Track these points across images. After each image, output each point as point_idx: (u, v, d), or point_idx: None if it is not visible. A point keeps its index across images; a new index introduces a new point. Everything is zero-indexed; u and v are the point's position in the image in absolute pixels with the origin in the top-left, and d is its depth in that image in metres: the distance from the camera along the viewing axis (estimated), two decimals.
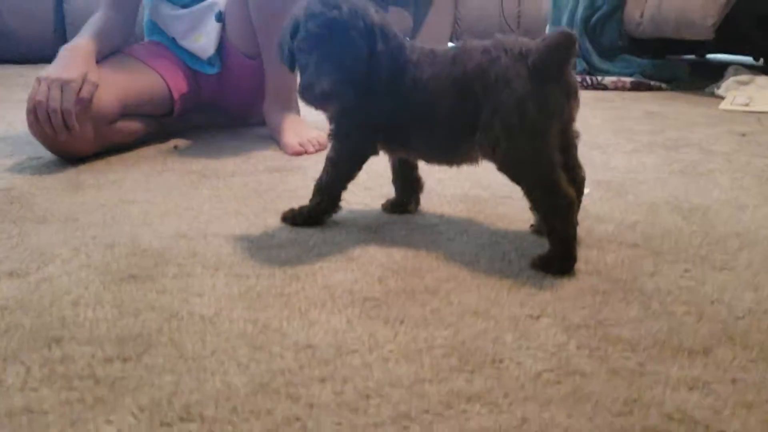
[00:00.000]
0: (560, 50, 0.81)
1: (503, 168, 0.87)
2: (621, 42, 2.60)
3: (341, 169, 0.99)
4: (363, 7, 0.90)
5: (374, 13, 0.91)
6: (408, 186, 1.06)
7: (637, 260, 0.90)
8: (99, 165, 1.34)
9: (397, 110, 0.93)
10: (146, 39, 1.71)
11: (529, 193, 0.86)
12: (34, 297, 0.77)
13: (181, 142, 1.56)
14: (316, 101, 0.89)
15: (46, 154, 1.37)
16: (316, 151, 1.47)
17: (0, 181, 1.22)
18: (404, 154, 1.01)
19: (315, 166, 1.33)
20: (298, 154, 1.46)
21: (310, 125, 1.56)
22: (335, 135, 0.99)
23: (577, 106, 0.87)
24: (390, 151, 1.00)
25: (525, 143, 0.83)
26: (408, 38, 0.97)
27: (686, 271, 0.87)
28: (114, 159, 1.39)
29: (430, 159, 0.97)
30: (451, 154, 0.93)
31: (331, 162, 0.99)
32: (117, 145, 1.45)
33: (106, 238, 0.95)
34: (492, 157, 0.87)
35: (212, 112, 1.75)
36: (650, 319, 0.74)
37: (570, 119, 0.88)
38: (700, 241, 0.97)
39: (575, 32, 0.82)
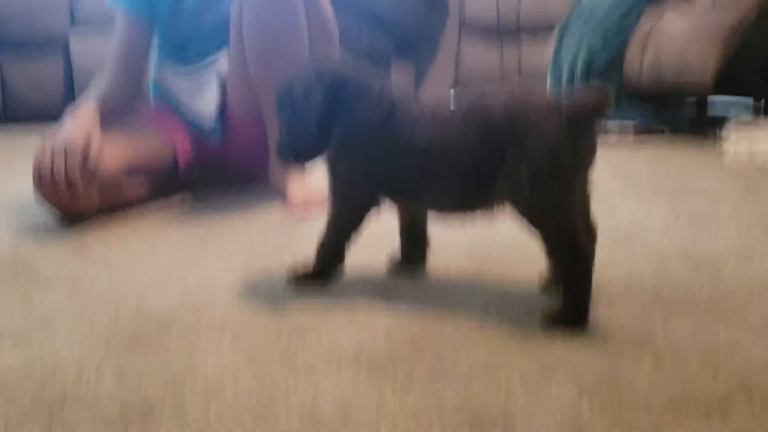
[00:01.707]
0: (598, 109, 0.84)
1: (525, 213, 0.86)
2: (622, 91, 2.62)
3: (342, 225, 0.99)
4: (333, 69, 0.95)
5: (348, 71, 0.95)
6: (415, 243, 1.05)
7: (647, 313, 0.89)
8: (105, 225, 1.35)
9: (401, 162, 0.93)
10: (152, 98, 1.74)
11: (547, 242, 0.85)
12: (37, 366, 0.76)
13: (186, 201, 1.56)
14: (284, 159, 0.99)
15: (52, 218, 1.37)
16: (321, 205, 1.47)
17: (6, 246, 1.22)
18: (412, 207, 1.01)
19: (321, 222, 1.32)
20: (303, 209, 1.46)
21: (314, 179, 1.56)
22: (333, 190, 0.99)
23: (595, 157, 0.88)
24: (396, 203, 0.99)
25: (551, 190, 0.83)
26: (412, 90, 0.98)
27: (698, 325, 0.86)
28: (120, 220, 1.40)
29: (442, 210, 0.96)
30: (467, 203, 0.93)
31: (332, 217, 0.99)
32: (122, 204, 1.45)
33: (111, 302, 0.95)
34: (514, 201, 0.86)
35: (216, 170, 1.76)
36: (664, 374, 0.72)
37: (588, 170, 0.88)
38: (710, 292, 0.96)
39: (608, 92, 0.84)
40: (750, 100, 3.21)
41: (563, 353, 0.77)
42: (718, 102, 3.34)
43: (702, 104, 3.02)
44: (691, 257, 1.11)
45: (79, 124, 1.34)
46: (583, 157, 0.85)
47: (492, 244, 1.18)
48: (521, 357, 0.76)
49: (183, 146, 1.60)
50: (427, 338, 0.81)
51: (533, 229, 0.86)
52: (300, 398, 0.68)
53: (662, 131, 2.52)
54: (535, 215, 0.85)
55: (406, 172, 0.93)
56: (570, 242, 0.83)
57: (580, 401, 0.67)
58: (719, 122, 2.52)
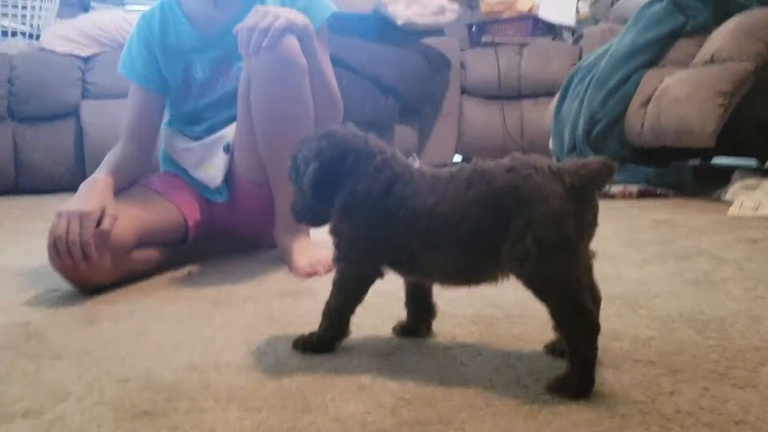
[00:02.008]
0: (601, 177, 0.85)
1: (530, 284, 0.86)
2: (624, 152, 2.66)
3: (346, 293, 1.00)
4: (334, 140, 1.00)
5: (349, 141, 1.00)
6: (421, 311, 1.06)
7: (654, 379, 0.88)
8: (114, 296, 1.36)
9: (401, 231, 0.94)
10: (162, 170, 1.78)
11: (553, 312, 0.85)
12: None
13: (195, 268, 1.58)
14: (295, 221, 1.07)
15: (63, 286, 1.39)
16: (327, 272, 1.48)
17: (17, 315, 1.24)
18: (416, 279, 1.02)
19: (326, 289, 1.34)
20: (309, 275, 1.48)
21: (319, 246, 1.58)
22: (338, 258, 1.01)
23: (597, 225, 0.89)
24: (400, 274, 1.01)
25: (556, 260, 0.84)
26: (414, 155, 1.00)
27: (706, 389, 0.85)
28: (129, 289, 1.41)
29: (445, 282, 0.98)
30: (471, 274, 0.93)
31: (336, 286, 1.01)
32: (133, 274, 1.47)
33: (119, 372, 0.96)
34: (519, 272, 0.86)
35: (225, 238, 1.78)
36: None
37: (590, 238, 0.90)
38: (717, 356, 0.96)
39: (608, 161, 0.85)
40: (752, 161, 3.24)
41: (568, 425, 0.77)
42: (721, 164, 3.36)
43: (704, 165, 3.05)
44: (697, 320, 1.11)
45: (93, 195, 1.37)
46: (587, 225, 0.86)
47: (497, 306, 1.19)
48: (527, 429, 0.76)
49: (192, 214, 1.63)
50: (432, 411, 0.81)
51: (539, 299, 0.86)
52: None
53: (665, 194, 2.55)
54: (541, 285, 0.86)
55: (407, 242, 0.94)
56: (576, 311, 0.83)
57: None
58: (722, 183, 2.55)
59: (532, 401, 0.83)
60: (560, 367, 0.91)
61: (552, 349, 0.98)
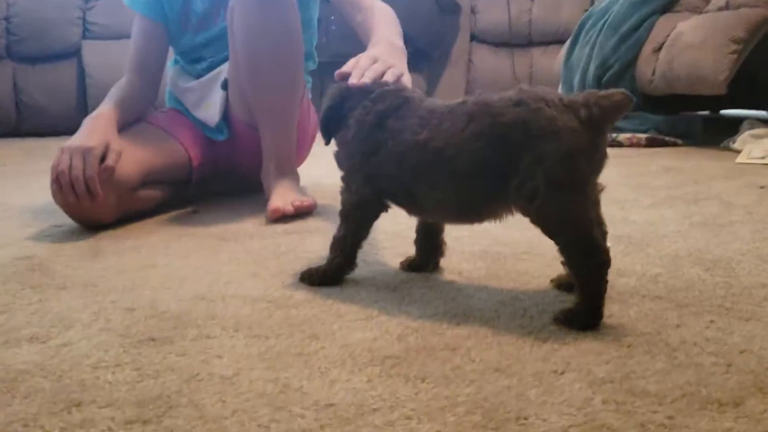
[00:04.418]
0: (619, 109, 0.82)
1: (539, 221, 0.84)
2: (635, 99, 2.62)
3: (350, 223, 1.00)
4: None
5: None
6: (430, 248, 1.05)
7: (660, 313, 0.88)
8: (118, 232, 1.36)
9: (393, 168, 0.93)
10: (167, 106, 1.76)
11: (563, 249, 0.84)
12: (54, 361, 0.77)
13: (199, 207, 1.58)
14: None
15: (67, 223, 1.39)
16: (295, 211, 1.42)
17: (21, 249, 1.24)
18: (418, 215, 1.01)
19: (333, 228, 1.33)
20: (276, 214, 1.40)
21: (302, 191, 1.54)
22: (343, 189, 1.00)
23: (607, 158, 0.87)
24: (401, 208, 1.00)
25: (567, 198, 0.82)
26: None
27: (711, 322, 0.85)
28: (133, 226, 1.41)
29: (445, 219, 0.97)
30: (471, 211, 0.92)
31: (341, 216, 1.00)
32: (137, 212, 1.47)
33: (125, 302, 0.96)
34: (527, 209, 0.84)
35: (228, 177, 1.77)
36: (677, 371, 0.72)
37: (599, 174, 0.87)
38: (724, 292, 0.96)
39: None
40: (762, 113, 3.20)
41: (575, 353, 0.77)
42: (729, 114, 3.32)
43: (713, 116, 3.01)
44: (705, 259, 1.11)
45: (97, 130, 1.36)
46: (598, 161, 0.85)
47: (505, 244, 1.18)
48: (533, 357, 0.76)
49: (196, 154, 1.61)
50: (439, 338, 0.82)
51: (548, 236, 0.85)
52: (315, 394, 0.68)
53: (674, 143, 2.52)
54: (551, 223, 0.84)
55: (400, 177, 0.93)
56: (587, 247, 0.82)
57: (594, 398, 0.67)
58: (730, 133, 2.52)
59: (539, 331, 0.83)
60: (567, 300, 0.92)
61: (559, 284, 0.98)
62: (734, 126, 2.59)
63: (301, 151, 1.72)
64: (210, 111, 1.64)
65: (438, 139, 0.88)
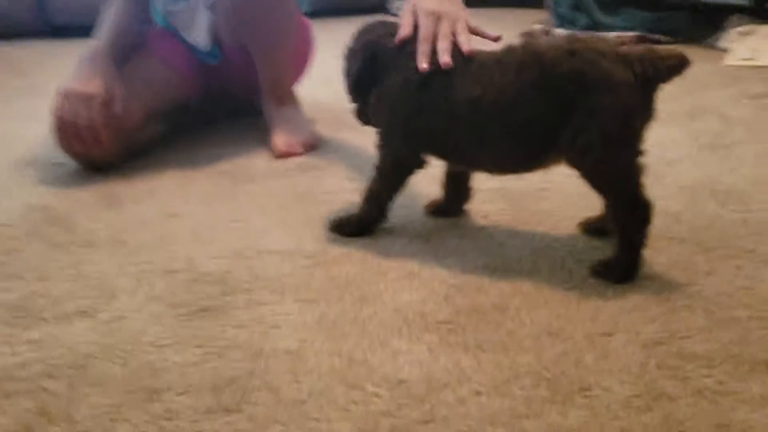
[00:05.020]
0: (674, 71, 0.81)
1: (589, 175, 0.85)
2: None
3: (387, 180, 0.99)
4: (377, 34, 0.99)
5: (382, 36, 0.98)
6: (458, 193, 1.06)
7: (689, 258, 0.92)
8: (126, 172, 1.33)
9: (443, 127, 0.92)
10: (158, 24, 1.67)
11: (613, 203, 0.85)
12: (113, 340, 0.78)
13: (202, 138, 1.54)
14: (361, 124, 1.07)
15: (66, 160, 1.34)
16: (306, 152, 1.41)
17: (33, 197, 1.21)
18: (462, 167, 1.01)
19: (348, 163, 1.33)
20: (285, 156, 1.40)
21: (306, 121, 1.51)
22: (380, 144, 0.99)
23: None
24: (444, 162, 1.00)
25: (620, 154, 0.83)
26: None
27: (738, 268, 0.89)
28: (140, 164, 1.37)
29: (494, 171, 0.97)
30: (522, 163, 0.92)
31: (378, 171, 1.00)
32: (141, 149, 1.43)
33: (162, 262, 0.96)
34: (579, 163, 0.85)
35: (223, 100, 1.72)
36: (718, 328, 0.76)
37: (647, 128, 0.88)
38: (743, 231, 0.99)
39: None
40: (743, 2, 3.16)
41: (619, 311, 0.80)
42: (712, 4, 3.26)
43: (697, 7, 2.97)
44: (718, 190, 1.14)
45: (97, 73, 1.29)
46: (649, 117, 0.85)
47: (520, 179, 1.18)
48: (581, 317, 0.79)
49: (194, 81, 1.55)
50: (485, 297, 0.84)
51: (597, 190, 0.86)
52: (381, 369, 0.71)
53: (659, 40, 2.50)
54: (602, 178, 0.85)
55: (450, 135, 0.92)
56: (635, 204, 0.84)
57: (648, 363, 0.71)
58: (715, 27, 2.50)
59: (580, 286, 0.86)
60: (597, 246, 0.95)
61: (587, 228, 1.00)
62: (718, 19, 2.56)
63: (298, 72, 1.67)
64: (199, 34, 1.56)
65: (490, 93, 0.87)
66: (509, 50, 0.89)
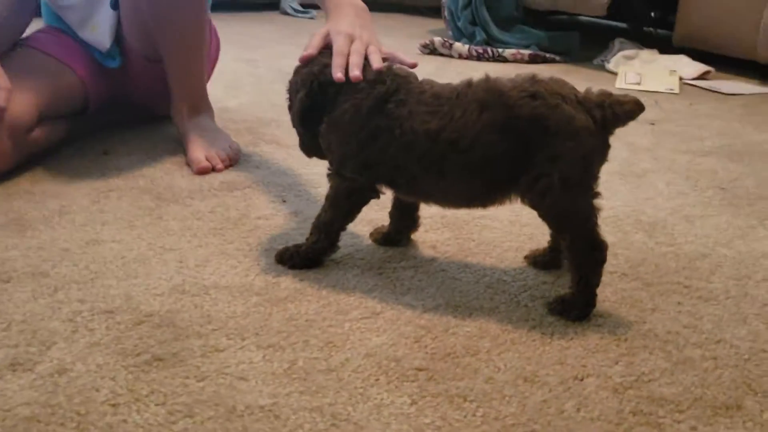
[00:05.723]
0: (630, 116, 0.85)
1: (549, 217, 0.88)
2: (517, 13, 2.66)
3: (338, 209, 0.96)
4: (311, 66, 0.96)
5: (325, 66, 0.94)
6: (405, 223, 1.04)
7: (633, 294, 0.96)
8: (26, 184, 1.20)
9: (397, 156, 0.90)
10: (45, 23, 1.52)
11: (570, 244, 0.87)
12: (60, 399, 0.69)
13: (108, 147, 1.42)
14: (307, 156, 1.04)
15: None
16: (225, 167, 1.34)
17: None
18: (414, 200, 0.99)
19: (276, 181, 1.27)
20: (204, 172, 1.31)
21: (221, 132, 1.44)
22: (332, 173, 0.96)
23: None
24: (398, 194, 0.98)
25: (578, 197, 0.85)
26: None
27: (679, 304, 0.94)
28: (40, 174, 1.25)
29: (449, 206, 0.96)
30: (479, 200, 0.92)
31: (328, 200, 0.96)
32: (37, 153, 1.30)
33: (95, 300, 0.87)
34: (538, 204, 0.86)
35: (125, 106, 1.59)
36: (678, 370, 0.80)
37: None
38: (674, 265, 1.05)
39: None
40: (624, 25, 3.37)
41: (584, 352, 0.82)
42: (605, 26, 3.45)
43: (585, 28, 3.13)
44: (642, 222, 1.20)
45: None
46: (604, 158, 0.88)
47: (461, 213, 1.18)
48: (549, 358, 0.80)
49: (91, 80, 1.42)
50: (454, 339, 0.83)
51: (554, 231, 0.88)
52: (369, 426, 0.68)
53: (553, 59, 2.61)
54: (561, 220, 0.87)
55: (405, 165, 0.90)
56: (592, 245, 0.86)
57: (624, 409, 0.73)
58: (603, 47, 2.65)
59: (539, 325, 0.87)
60: (546, 281, 0.97)
61: (534, 262, 1.02)
62: (605, 39, 2.71)
63: (208, 77, 1.58)
64: (98, 34, 1.43)
65: (450, 130, 0.86)
66: (468, 85, 0.88)
